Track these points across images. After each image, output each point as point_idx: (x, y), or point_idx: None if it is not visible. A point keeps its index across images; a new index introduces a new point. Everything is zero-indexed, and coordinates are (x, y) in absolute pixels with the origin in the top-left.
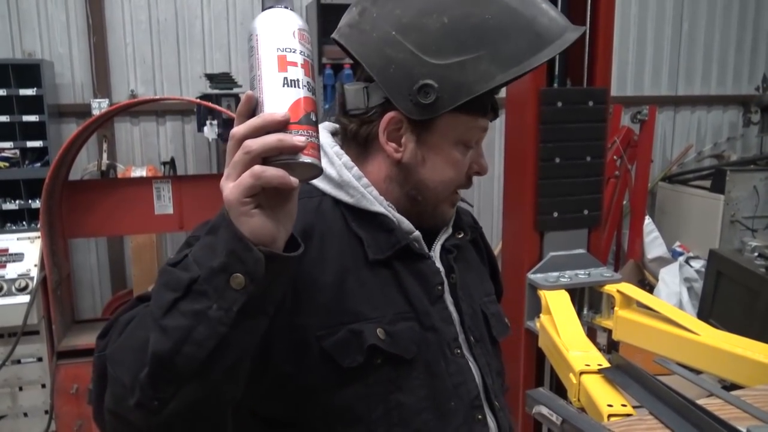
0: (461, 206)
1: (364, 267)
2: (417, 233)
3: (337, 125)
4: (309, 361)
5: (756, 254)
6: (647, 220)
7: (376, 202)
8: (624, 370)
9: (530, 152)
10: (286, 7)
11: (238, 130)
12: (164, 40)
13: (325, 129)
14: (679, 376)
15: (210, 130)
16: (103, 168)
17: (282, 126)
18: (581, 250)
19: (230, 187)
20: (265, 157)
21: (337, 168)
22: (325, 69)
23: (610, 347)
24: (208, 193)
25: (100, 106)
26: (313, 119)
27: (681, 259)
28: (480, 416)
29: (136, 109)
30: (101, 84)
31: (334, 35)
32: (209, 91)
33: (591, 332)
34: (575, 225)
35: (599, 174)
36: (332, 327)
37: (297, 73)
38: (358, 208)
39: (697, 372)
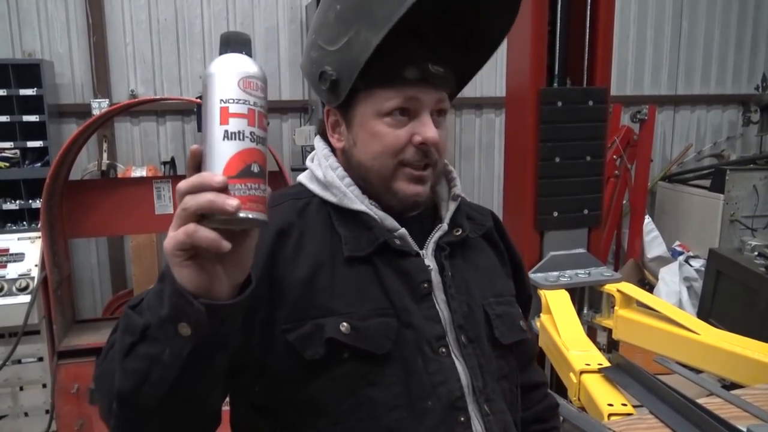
0: (472, 204)
1: (342, 264)
2: (402, 230)
3: None
4: (276, 354)
5: (756, 253)
6: (647, 219)
7: (357, 200)
8: (624, 370)
9: (530, 152)
10: (240, 52)
11: (181, 185)
12: (164, 40)
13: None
14: (680, 375)
15: None
16: (104, 168)
17: (218, 186)
18: (581, 250)
19: (168, 236)
20: (204, 214)
21: (323, 169)
22: None
23: (611, 346)
24: None
25: (100, 106)
26: (256, 170)
27: (681, 258)
28: (462, 418)
29: (136, 109)
30: (101, 84)
31: None
32: None
33: (591, 331)
34: (575, 224)
35: (599, 173)
36: (298, 321)
37: (239, 124)
38: (341, 207)
39: (698, 371)
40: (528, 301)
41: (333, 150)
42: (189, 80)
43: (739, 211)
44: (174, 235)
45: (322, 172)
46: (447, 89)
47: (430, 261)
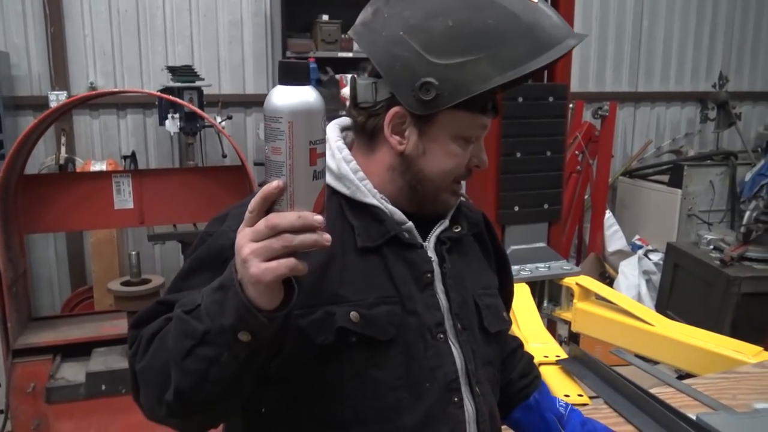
0: (468, 204)
1: (353, 253)
2: (409, 224)
3: (349, 120)
4: (291, 336)
5: (711, 247)
6: (608, 214)
7: (369, 194)
8: (581, 362)
9: (492, 147)
10: (309, 83)
11: (279, 221)
12: (125, 32)
13: (336, 124)
14: (636, 366)
15: (172, 124)
16: (62, 162)
17: (319, 226)
18: (541, 244)
19: (263, 267)
20: None
21: (337, 161)
22: None
23: (572, 339)
24: (169, 187)
25: (57, 99)
26: (325, 201)
27: (640, 252)
28: (456, 399)
29: (95, 102)
30: (59, 76)
31: (350, 32)
32: (171, 84)
33: (551, 324)
34: (536, 219)
35: (559, 169)
36: (310, 307)
37: (322, 163)
38: (353, 199)
39: (654, 362)
40: (511, 295)
41: (342, 139)
42: (150, 73)
43: (696, 206)
44: (275, 268)
45: (336, 164)
46: None
47: (431, 253)
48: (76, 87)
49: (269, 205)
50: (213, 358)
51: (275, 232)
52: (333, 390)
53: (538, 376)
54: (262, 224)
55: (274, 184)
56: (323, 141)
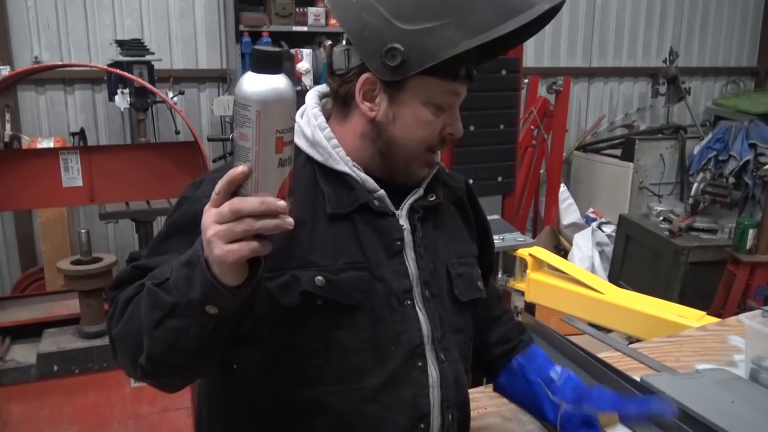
0: (450, 173)
1: (324, 219)
2: (381, 192)
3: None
4: (260, 297)
5: (661, 218)
6: (562, 187)
7: (341, 162)
8: (533, 330)
9: None
10: (284, 73)
11: (242, 206)
12: (70, 3)
13: (316, 91)
14: (586, 333)
15: (122, 100)
16: (6, 139)
17: (282, 211)
18: (496, 216)
19: (226, 249)
20: None
21: (312, 128)
22: (243, 36)
23: (528, 310)
24: (120, 164)
25: (0, 73)
26: (293, 187)
27: (594, 224)
28: (420, 364)
29: (41, 77)
30: (1, 50)
31: None
32: (120, 58)
33: (506, 295)
34: (490, 192)
35: (512, 142)
36: (279, 270)
37: (289, 151)
38: (326, 166)
39: (607, 330)
40: (491, 265)
41: (319, 106)
42: (98, 47)
43: (647, 179)
44: (237, 250)
45: (311, 131)
46: None
47: (404, 221)
48: (20, 61)
49: (234, 189)
50: (182, 329)
51: (238, 216)
52: (300, 350)
53: (522, 341)
54: (226, 207)
55: (240, 169)
56: (291, 130)
